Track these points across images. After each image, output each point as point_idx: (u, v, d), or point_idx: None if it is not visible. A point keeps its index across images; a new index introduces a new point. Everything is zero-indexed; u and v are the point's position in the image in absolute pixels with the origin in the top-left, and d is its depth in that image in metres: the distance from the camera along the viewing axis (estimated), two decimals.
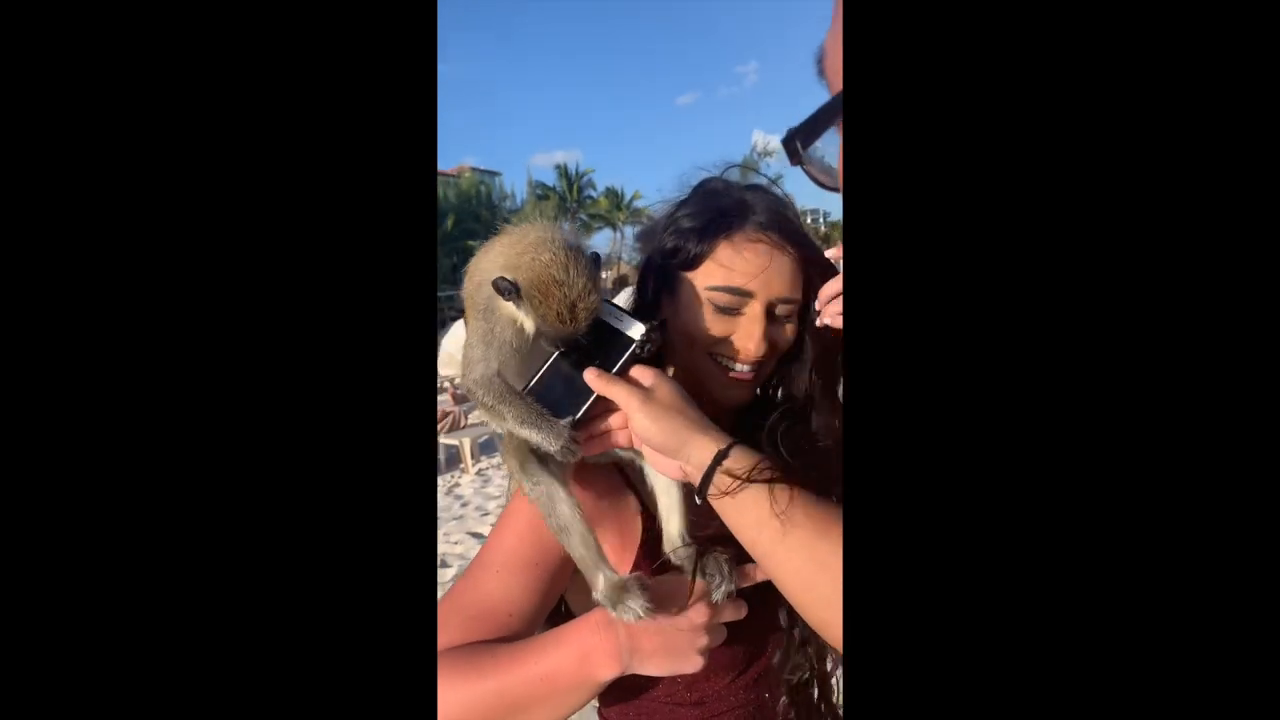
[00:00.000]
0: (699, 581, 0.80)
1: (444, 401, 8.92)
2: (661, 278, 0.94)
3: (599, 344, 0.80)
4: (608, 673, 0.77)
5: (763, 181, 0.99)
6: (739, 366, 0.90)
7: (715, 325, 0.89)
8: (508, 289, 0.76)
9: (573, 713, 0.80)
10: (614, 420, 0.82)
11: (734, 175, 1.00)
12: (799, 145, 0.60)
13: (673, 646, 0.78)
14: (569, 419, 0.79)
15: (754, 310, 0.88)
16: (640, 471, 0.89)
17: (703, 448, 0.75)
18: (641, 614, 0.74)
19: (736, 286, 0.88)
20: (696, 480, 0.75)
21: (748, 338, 0.88)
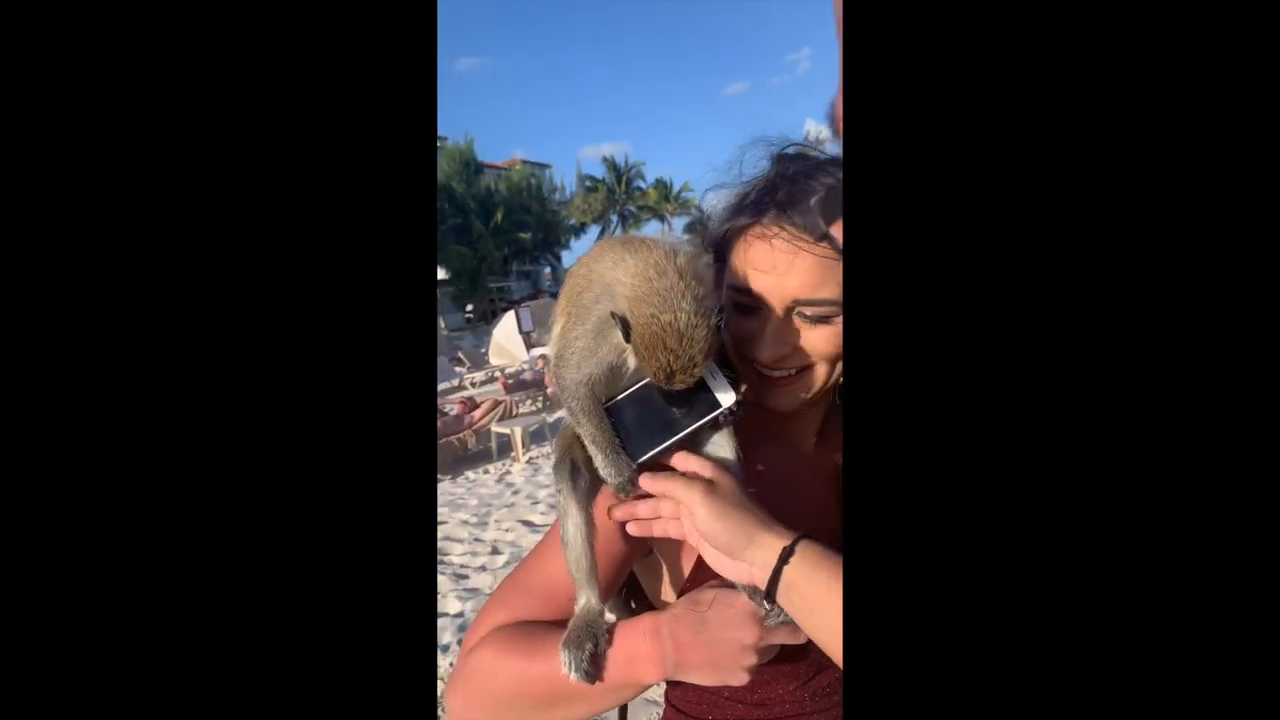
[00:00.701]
0: (749, 602, 0.77)
1: (496, 390, 9.04)
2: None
3: (687, 394, 0.78)
4: (650, 678, 0.78)
5: (816, 157, 0.91)
6: (772, 371, 0.86)
7: (740, 327, 0.86)
8: (621, 326, 0.75)
9: (614, 707, 0.83)
10: (665, 507, 0.79)
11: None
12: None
13: (718, 662, 0.77)
14: (641, 459, 0.78)
15: (768, 312, 0.83)
16: None
17: (767, 547, 0.72)
18: (574, 674, 0.75)
19: (746, 287, 0.83)
20: (763, 584, 0.73)
21: (758, 343, 0.84)
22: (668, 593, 0.91)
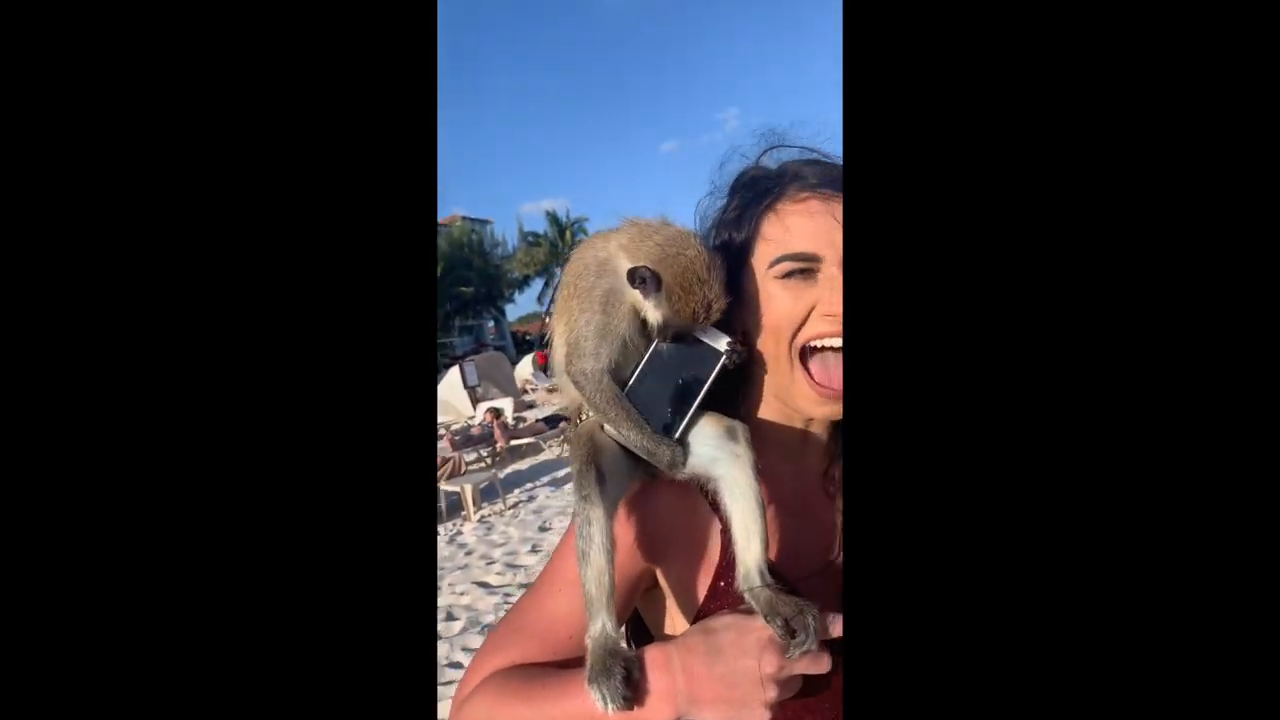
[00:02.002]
0: (769, 629, 0.70)
1: (442, 448, 8.77)
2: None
3: (686, 356, 0.79)
4: (661, 717, 0.70)
5: (806, 153, 0.89)
6: (827, 342, 0.79)
7: (789, 304, 0.80)
8: (649, 278, 0.74)
9: None
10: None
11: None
12: None
13: (735, 697, 0.69)
14: (678, 434, 0.77)
15: (828, 272, 0.78)
16: (718, 490, 0.80)
17: None
18: (612, 707, 0.67)
19: (796, 251, 0.79)
20: None
21: (830, 305, 0.78)
22: (676, 625, 0.84)
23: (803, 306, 0.79)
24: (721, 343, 0.79)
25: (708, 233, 0.89)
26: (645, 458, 0.76)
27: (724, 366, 0.78)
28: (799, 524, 0.80)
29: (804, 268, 0.79)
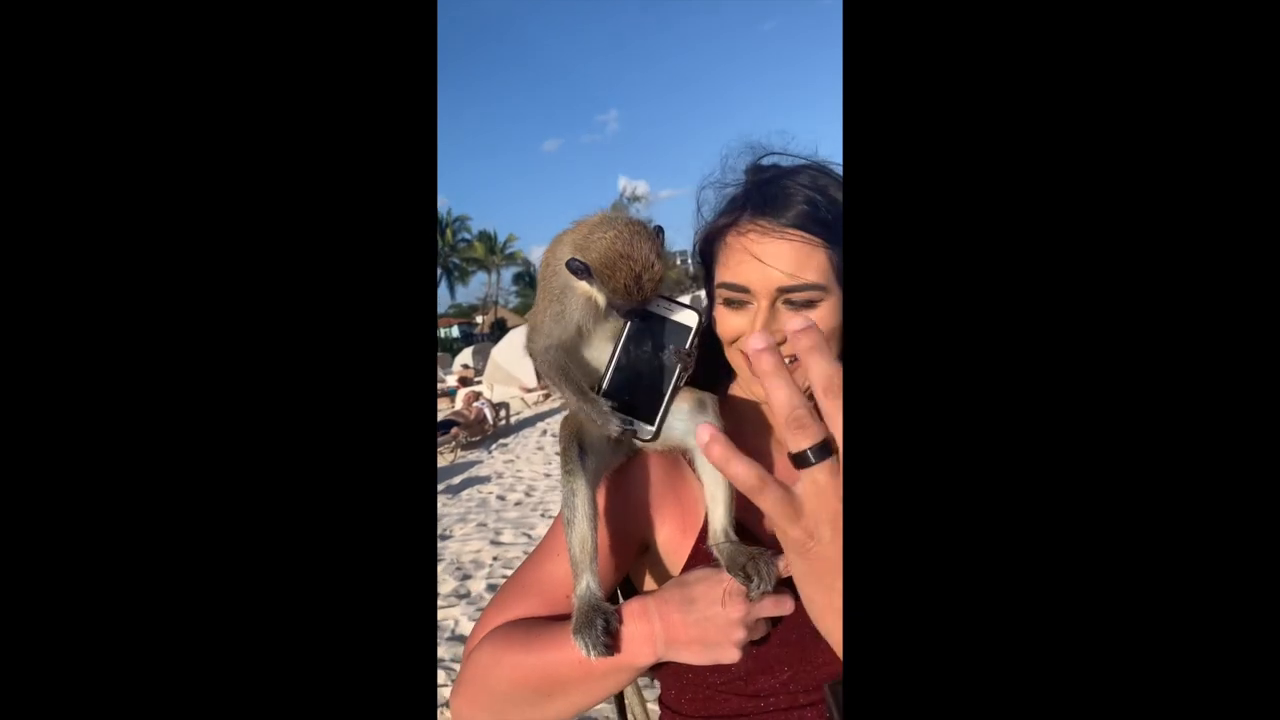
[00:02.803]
0: (735, 580, 0.79)
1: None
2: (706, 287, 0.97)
3: (657, 334, 0.83)
4: (643, 659, 0.79)
5: (780, 163, 0.95)
6: None
7: (730, 325, 0.89)
8: (580, 269, 0.78)
9: (612, 693, 0.85)
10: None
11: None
12: None
13: (708, 638, 0.78)
14: (659, 417, 0.81)
15: (757, 304, 0.86)
16: (693, 459, 0.88)
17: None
18: (594, 653, 0.76)
19: (731, 282, 0.88)
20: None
21: (748, 334, 0.86)
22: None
23: (733, 330, 0.89)
24: (690, 317, 0.82)
25: (701, 229, 0.96)
26: (603, 429, 0.80)
27: (698, 332, 0.83)
28: None
29: (735, 298, 0.87)
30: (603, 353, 0.84)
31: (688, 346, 0.81)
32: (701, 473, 0.85)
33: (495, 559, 5.18)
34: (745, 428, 0.94)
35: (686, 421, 0.84)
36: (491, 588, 4.56)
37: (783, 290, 0.85)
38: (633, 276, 0.77)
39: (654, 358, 0.82)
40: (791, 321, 0.55)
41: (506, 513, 6.55)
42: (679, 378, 0.81)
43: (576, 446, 0.83)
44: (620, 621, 0.79)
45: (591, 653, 0.75)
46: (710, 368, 0.94)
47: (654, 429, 0.80)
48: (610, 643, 0.77)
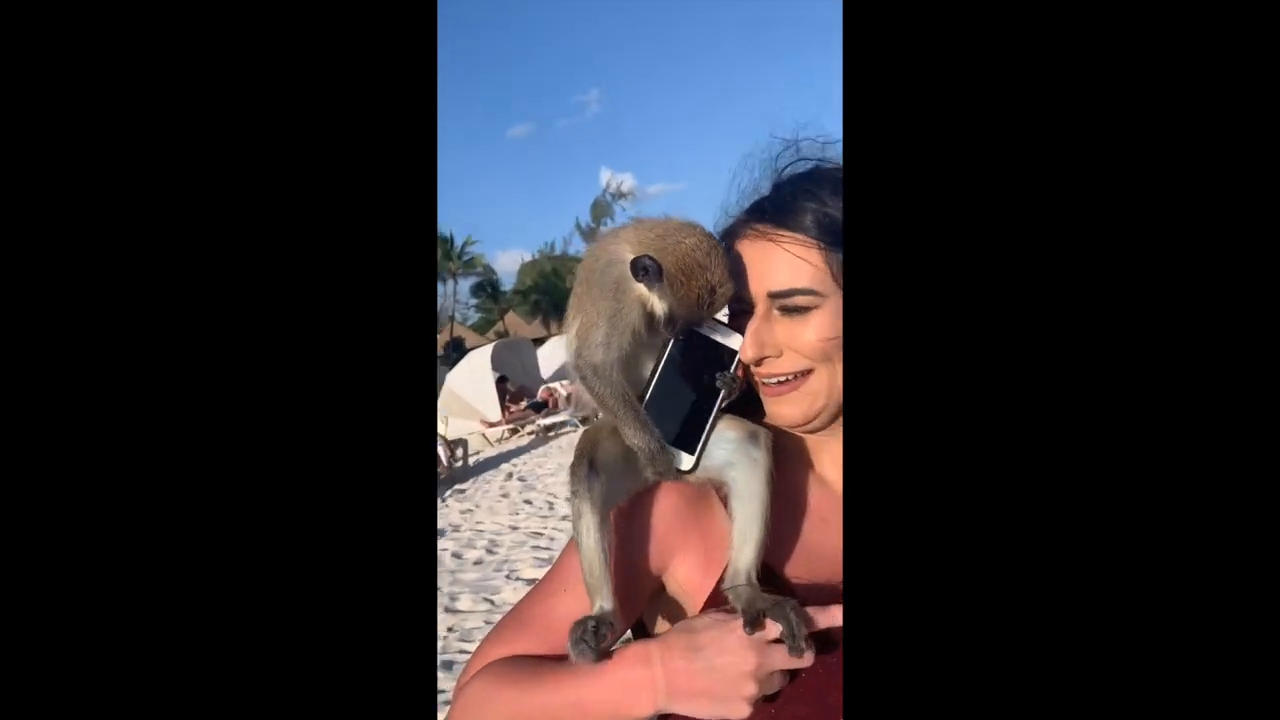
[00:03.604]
0: (746, 625, 0.73)
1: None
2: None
3: (700, 358, 0.80)
4: (641, 710, 0.74)
5: (800, 166, 0.89)
6: (766, 379, 0.84)
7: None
8: (651, 268, 0.76)
9: None
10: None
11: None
12: None
13: (715, 691, 0.72)
14: (700, 446, 0.79)
15: (750, 311, 0.83)
16: (729, 494, 0.82)
17: None
18: (574, 651, 0.73)
19: (735, 292, 0.84)
20: None
21: (743, 343, 0.82)
22: None
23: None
24: (734, 341, 0.80)
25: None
26: (645, 461, 0.76)
27: (725, 395, 0.80)
28: (814, 536, 0.83)
29: (736, 308, 0.83)
30: (636, 373, 0.81)
31: (732, 370, 0.79)
32: (735, 507, 0.80)
33: (451, 630, 4.73)
34: (797, 463, 0.89)
35: (731, 453, 0.80)
36: (447, 665, 4.14)
37: (774, 296, 0.80)
38: (708, 289, 0.75)
39: (696, 382, 0.79)
40: None
41: (464, 574, 5.89)
42: (721, 405, 0.79)
43: (586, 464, 0.77)
44: (615, 629, 0.75)
45: (573, 650, 0.73)
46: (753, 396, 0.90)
47: (694, 458, 0.77)
48: (597, 647, 0.73)
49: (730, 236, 0.86)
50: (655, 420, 0.78)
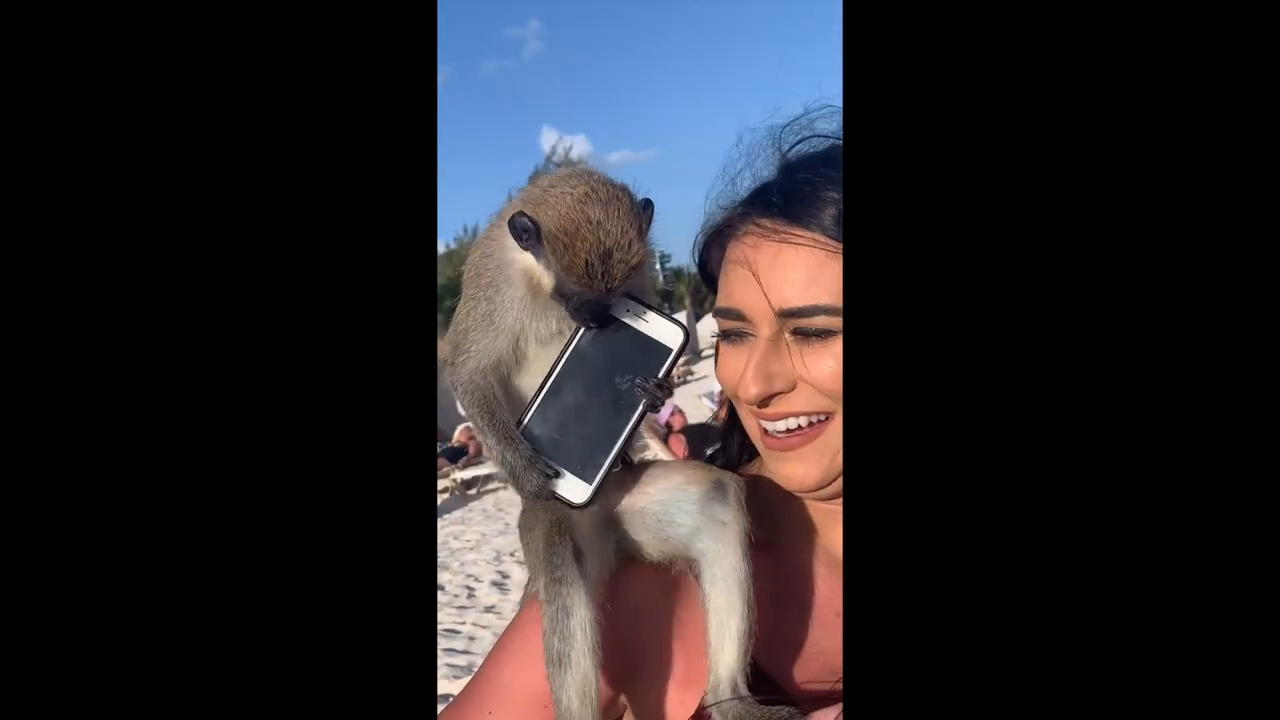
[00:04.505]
0: None
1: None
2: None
3: (618, 356, 0.62)
4: None
5: (811, 146, 0.72)
6: (770, 425, 0.67)
7: (728, 366, 0.70)
8: (527, 229, 0.60)
9: None
10: None
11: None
12: None
13: None
14: (596, 474, 0.60)
15: (754, 334, 0.67)
16: (699, 571, 0.66)
17: None
18: None
19: (724, 306, 0.69)
20: None
21: (743, 376, 0.66)
22: None
23: (732, 373, 0.68)
24: (673, 334, 0.62)
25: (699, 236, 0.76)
26: (510, 482, 0.61)
27: (676, 358, 0.63)
28: (819, 634, 0.68)
29: (731, 327, 0.69)
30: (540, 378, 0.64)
31: (660, 374, 0.61)
32: (709, 588, 0.65)
33: None
34: (767, 518, 0.70)
35: (696, 516, 0.65)
36: None
37: (787, 315, 0.63)
38: (599, 251, 0.58)
39: (605, 386, 0.62)
40: None
41: None
42: (638, 418, 0.61)
43: (570, 545, 0.62)
44: None
45: None
46: (729, 438, 0.77)
47: (590, 489, 0.60)
48: None
49: (725, 236, 0.70)
50: (542, 433, 0.62)
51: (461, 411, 0.66)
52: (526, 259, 0.62)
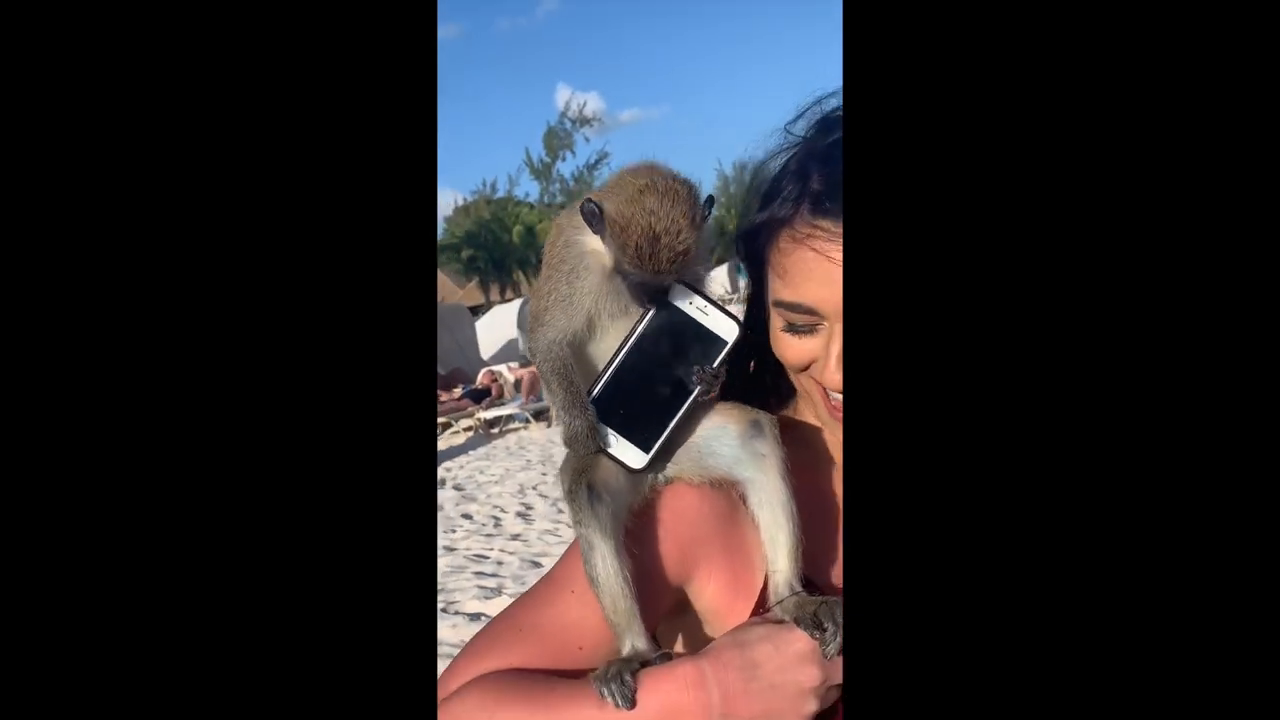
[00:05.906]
0: (807, 639, 0.67)
1: None
2: (753, 284, 0.81)
3: (679, 343, 0.70)
4: None
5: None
6: (837, 396, 0.73)
7: (794, 349, 0.73)
8: (592, 212, 0.68)
9: None
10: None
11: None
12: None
13: (772, 711, 0.66)
14: (654, 443, 0.69)
15: (829, 327, 0.71)
16: (746, 495, 0.75)
17: None
18: (619, 704, 0.65)
19: (798, 303, 0.71)
20: None
21: (825, 366, 0.71)
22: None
23: (804, 355, 0.73)
24: (728, 328, 0.70)
25: (748, 214, 0.79)
26: (566, 440, 0.70)
27: (730, 352, 0.71)
28: (839, 530, 0.77)
29: (800, 321, 0.72)
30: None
31: (715, 365, 0.70)
32: (757, 510, 0.73)
33: None
34: (805, 456, 0.78)
35: (737, 448, 0.73)
36: None
37: None
38: (649, 236, 0.65)
39: (666, 370, 0.70)
40: None
41: None
42: (693, 401, 0.70)
43: (586, 489, 0.70)
44: (674, 685, 0.66)
45: (622, 704, 0.64)
46: (758, 386, 0.83)
47: (647, 457, 0.70)
48: (632, 697, 0.65)
49: (786, 231, 0.72)
50: (609, 405, 0.70)
51: (539, 373, 0.74)
52: (594, 240, 0.70)
